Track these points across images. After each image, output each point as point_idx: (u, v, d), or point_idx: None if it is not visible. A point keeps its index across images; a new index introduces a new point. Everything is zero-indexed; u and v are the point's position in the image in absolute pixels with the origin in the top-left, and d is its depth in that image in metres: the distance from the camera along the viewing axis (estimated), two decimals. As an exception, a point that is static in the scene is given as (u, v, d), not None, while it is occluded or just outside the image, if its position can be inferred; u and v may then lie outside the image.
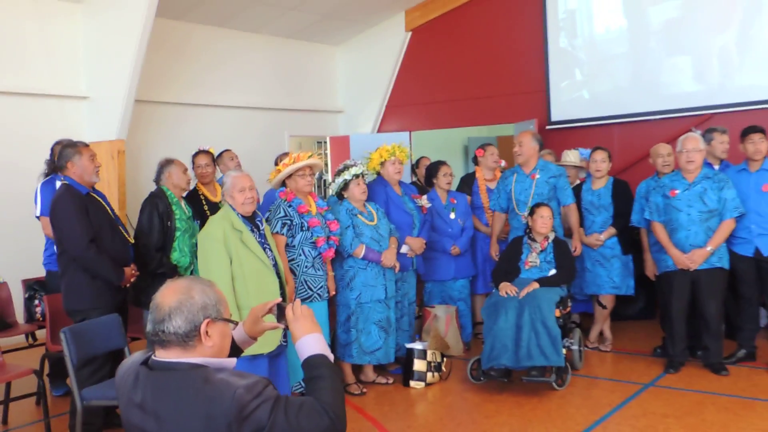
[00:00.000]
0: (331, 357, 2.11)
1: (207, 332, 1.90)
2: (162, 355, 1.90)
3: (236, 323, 2.07)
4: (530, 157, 5.90)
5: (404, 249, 5.55)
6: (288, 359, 4.63)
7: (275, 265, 4.26)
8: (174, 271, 4.84)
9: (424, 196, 6.02)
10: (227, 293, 3.94)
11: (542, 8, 8.08)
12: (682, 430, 4.27)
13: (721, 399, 4.75)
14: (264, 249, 4.19)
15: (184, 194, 5.25)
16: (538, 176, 5.84)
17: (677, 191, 5.23)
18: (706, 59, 7.23)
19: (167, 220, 4.86)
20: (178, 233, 4.88)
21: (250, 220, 4.25)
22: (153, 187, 5.15)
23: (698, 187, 5.19)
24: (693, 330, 5.42)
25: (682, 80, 7.36)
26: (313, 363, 2.05)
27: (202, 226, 4.70)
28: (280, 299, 2.32)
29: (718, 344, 5.31)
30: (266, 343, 3.86)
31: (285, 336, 4.33)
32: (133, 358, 2.02)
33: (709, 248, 5.13)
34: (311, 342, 2.10)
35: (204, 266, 4.13)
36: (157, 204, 4.86)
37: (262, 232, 4.30)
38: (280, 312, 2.23)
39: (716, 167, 5.86)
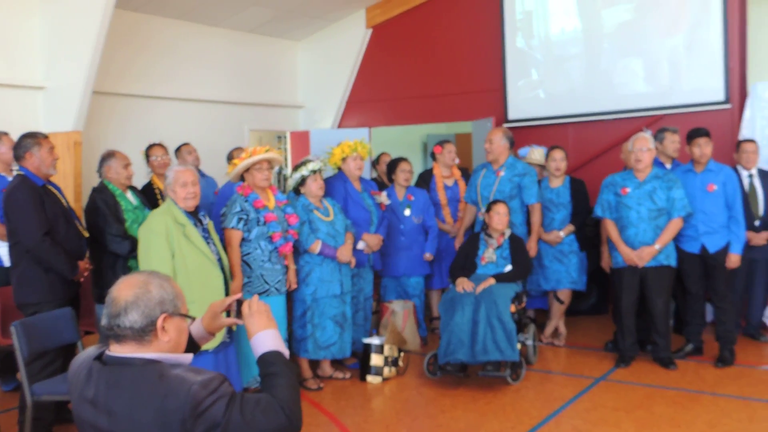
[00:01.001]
0: (287, 353, 2.11)
1: (164, 327, 1.89)
2: (117, 350, 1.89)
3: (193, 319, 2.07)
4: (499, 154, 5.97)
5: (361, 245, 5.58)
6: (244, 354, 4.63)
7: (219, 259, 4.25)
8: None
9: (383, 193, 6.06)
10: None
11: (500, 9, 8.16)
12: (631, 423, 4.38)
13: (670, 392, 4.89)
14: (207, 243, 4.18)
15: (141, 186, 5.21)
16: (503, 174, 5.91)
17: (628, 189, 5.36)
18: (656, 62, 7.40)
19: (116, 211, 4.81)
20: (126, 224, 4.84)
21: (193, 214, 4.23)
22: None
23: (648, 186, 5.33)
24: (643, 325, 5.57)
25: (634, 81, 7.53)
26: (268, 360, 2.04)
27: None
28: (240, 295, 2.33)
29: (666, 339, 5.46)
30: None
31: (229, 332, 4.33)
32: (87, 352, 1.99)
33: (657, 246, 5.28)
34: (267, 338, 2.09)
35: (145, 260, 4.10)
36: (100, 200, 4.79)
37: (205, 226, 4.28)
38: (238, 308, 2.24)
39: (668, 166, 6.02)
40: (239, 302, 2.25)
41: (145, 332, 1.87)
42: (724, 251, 5.40)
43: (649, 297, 5.39)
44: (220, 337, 4.19)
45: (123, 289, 1.90)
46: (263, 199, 4.86)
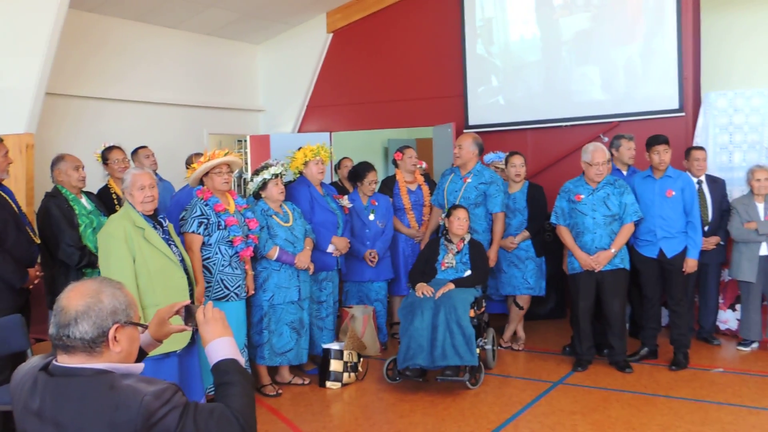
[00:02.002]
0: (243, 361, 2.08)
1: (116, 338, 1.85)
2: (65, 361, 1.83)
3: (146, 327, 2.02)
4: (468, 160, 5.98)
5: (330, 248, 5.57)
6: (203, 359, 4.56)
7: (182, 261, 4.19)
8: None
9: (346, 197, 6.05)
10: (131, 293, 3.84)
11: (460, 15, 8.22)
12: (588, 426, 4.43)
13: (625, 395, 4.96)
14: (169, 245, 4.12)
15: (97, 190, 5.11)
16: (469, 180, 5.93)
17: (582, 196, 5.44)
18: (613, 70, 7.53)
19: (70, 217, 4.71)
20: (81, 229, 4.73)
21: (152, 217, 4.16)
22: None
23: (601, 193, 5.42)
24: (599, 329, 5.65)
25: (591, 89, 7.65)
26: (223, 368, 2.01)
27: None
28: (188, 301, 2.28)
29: (623, 343, 5.55)
30: (176, 341, 3.79)
31: (194, 335, 4.26)
32: (31, 362, 1.93)
33: (613, 250, 5.37)
34: (222, 346, 2.06)
35: (105, 265, 4.02)
36: (53, 205, 4.68)
37: (165, 228, 4.22)
38: (188, 314, 2.19)
39: (624, 172, 6.12)
40: (188, 308, 2.20)
41: (96, 343, 1.82)
42: (681, 256, 5.50)
43: (606, 300, 5.47)
44: (186, 338, 4.13)
45: (73, 298, 1.84)
46: (223, 203, 4.81)
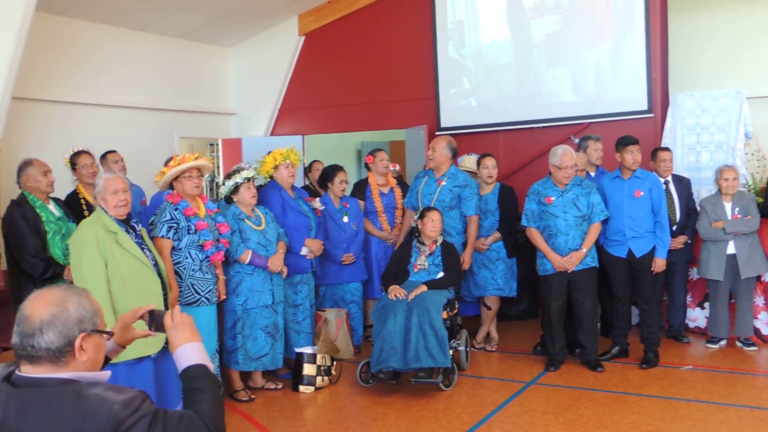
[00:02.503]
0: (212, 367, 2.07)
1: (82, 347, 1.82)
2: (29, 371, 1.79)
3: (112, 334, 2.00)
4: (441, 163, 5.99)
5: (304, 251, 5.56)
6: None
7: (156, 265, 4.15)
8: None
9: (317, 199, 6.04)
10: (103, 298, 3.81)
11: (432, 18, 8.26)
12: (560, 425, 4.47)
13: (597, 394, 5.01)
14: (142, 249, 4.08)
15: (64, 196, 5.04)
16: (444, 183, 5.95)
17: (552, 198, 5.48)
18: (583, 72, 7.62)
19: (36, 225, 4.64)
20: (48, 236, 4.67)
21: (125, 222, 4.12)
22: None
23: (570, 194, 5.48)
24: (571, 329, 5.70)
25: (562, 91, 7.72)
26: (192, 374, 1.99)
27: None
28: (153, 306, 2.25)
29: (594, 342, 5.61)
30: (150, 345, 3.75)
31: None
32: None
33: (584, 250, 5.43)
34: (190, 351, 2.04)
35: (77, 271, 3.97)
36: (18, 215, 4.61)
37: (138, 232, 4.18)
38: (152, 319, 2.17)
39: (593, 173, 6.19)
40: (152, 313, 2.18)
41: (62, 353, 1.79)
42: (650, 255, 5.57)
43: (578, 300, 5.52)
44: (161, 341, 4.08)
45: (37, 307, 1.80)
46: (194, 207, 4.76)
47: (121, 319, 2.22)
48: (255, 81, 9.39)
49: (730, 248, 5.85)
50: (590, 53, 7.56)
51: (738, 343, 6.03)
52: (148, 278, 4.04)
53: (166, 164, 5.03)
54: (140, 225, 4.29)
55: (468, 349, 5.74)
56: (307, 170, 7.62)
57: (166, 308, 4.00)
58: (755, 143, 6.71)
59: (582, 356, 5.65)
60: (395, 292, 5.25)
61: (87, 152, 5.62)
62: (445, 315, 5.18)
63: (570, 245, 5.45)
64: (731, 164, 6.13)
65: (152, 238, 4.61)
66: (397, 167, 6.93)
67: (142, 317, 2.21)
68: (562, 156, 5.43)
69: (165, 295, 4.18)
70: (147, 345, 3.69)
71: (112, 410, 1.70)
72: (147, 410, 1.76)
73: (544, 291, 5.61)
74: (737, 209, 5.88)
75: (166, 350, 4.18)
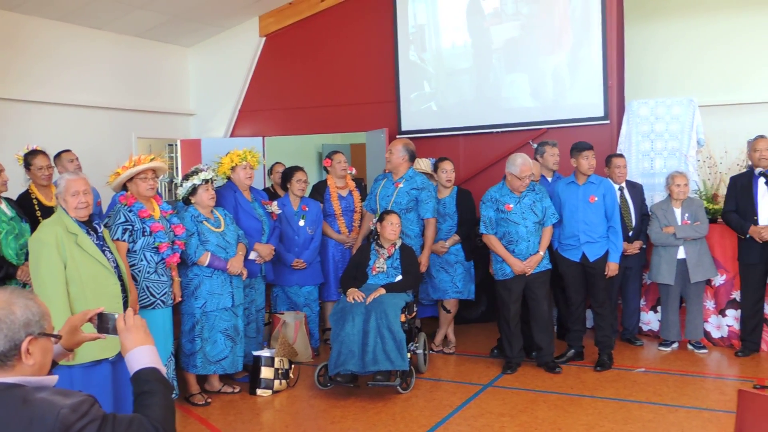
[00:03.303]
0: (164, 370, 2.05)
1: (28, 350, 1.79)
2: (-28, 375, 1.77)
3: (59, 338, 1.97)
4: (398, 165, 6.00)
5: (253, 255, 5.51)
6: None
7: (117, 267, 4.09)
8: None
9: (275, 203, 6.01)
10: (61, 300, 3.75)
11: (393, 22, 8.29)
12: (516, 427, 4.52)
13: (552, 396, 5.08)
14: (103, 251, 4.02)
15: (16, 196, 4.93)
16: (401, 186, 5.96)
17: (511, 205, 5.54)
18: (541, 78, 7.72)
19: None
20: (0, 236, 4.57)
21: (87, 223, 4.06)
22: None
23: (527, 200, 5.56)
24: (527, 332, 5.77)
25: (521, 96, 7.81)
26: (143, 377, 1.97)
27: (34, 231, 4.42)
28: (102, 308, 2.22)
29: (551, 343, 5.70)
30: (108, 347, 3.69)
31: None
32: None
33: (541, 252, 5.53)
34: (142, 354, 2.02)
35: (35, 272, 3.90)
36: None
37: (100, 234, 4.12)
38: (102, 322, 2.14)
39: (549, 179, 6.27)
40: (101, 315, 2.15)
41: (7, 357, 1.76)
42: (603, 260, 5.67)
43: (535, 301, 5.60)
44: (118, 345, 4.00)
45: None
46: (148, 208, 4.70)
47: (69, 322, 2.18)
48: (215, 81, 9.32)
49: (681, 253, 5.98)
50: (548, 60, 7.67)
51: (689, 346, 6.17)
52: (107, 281, 3.98)
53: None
54: (102, 226, 4.23)
55: (426, 352, 5.77)
56: (268, 172, 7.57)
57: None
58: (707, 150, 6.88)
59: (539, 358, 5.72)
60: (353, 295, 5.25)
61: (43, 153, 5.48)
62: (403, 318, 5.21)
63: (531, 250, 5.53)
64: (682, 170, 6.28)
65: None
66: (353, 170, 6.93)
67: (91, 320, 2.18)
68: (522, 166, 5.48)
69: (125, 297, 4.13)
70: (104, 348, 3.63)
71: (60, 415, 1.68)
72: (95, 415, 1.74)
73: (503, 295, 5.65)
74: (687, 215, 6.01)
75: None
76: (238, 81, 9.16)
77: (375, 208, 6.09)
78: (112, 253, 4.10)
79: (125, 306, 4.05)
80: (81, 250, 3.91)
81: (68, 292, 3.83)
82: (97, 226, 4.13)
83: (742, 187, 5.85)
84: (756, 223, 5.71)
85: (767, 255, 5.70)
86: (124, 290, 4.09)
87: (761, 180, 5.70)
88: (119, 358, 4.02)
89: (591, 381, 5.41)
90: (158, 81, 8.92)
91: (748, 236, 5.75)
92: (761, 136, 5.81)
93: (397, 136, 7.99)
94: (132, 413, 1.88)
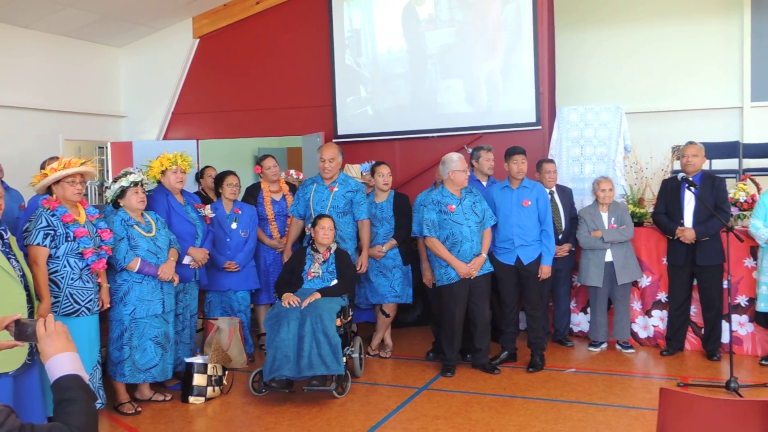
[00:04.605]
0: (86, 377, 1.99)
1: None
2: None
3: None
4: (337, 170, 6.01)
5: (187, 260, 5.41)
6: (45, 381, 4.28)
7: (23, 276, 3.93)
8: None
9: (208, 206, 5.91)
10: None
11: (329, 25, 8.29)
12: (450, 429, 4.55)
13: (486, 398, 5.14)
14: (8, 259, 3.85)
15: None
16: (336, 189, 5.94)
17: (453, 206, 5.60)
18: (476, 84, 7.84)
19: None
20: None
21: None
22: None
23: (467, 201, 5.63)
24: (465, 335, 5.83)
25: (456, 102, 7.91)
26: (64, 384, 1.91)
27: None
28: (19, 315, 2.14)
29: (489, 345, 5.79)
30: (8, 361, 3.53)
31: (31, 353, 3.99)
32: None
33: (484, 254, 5.61)
34: (63, 361, 1.96)
35: None
36: None
37: (6, 241, 3.95)
38: (20, 329, 2.07)
39: (484, 183, 6.36)
40: (18, 323, 2.08)
41: None
42: (537, 263, 5.78)
43: (477, 305, 5.67)
44: (21, 358, 3.85)
45: None
46: (73, 213, 4.54)
47: None
48: (147, 83, 9.13)
49: (608, 256, 6.15)
50: (482, 66, 7.79)
51: (617, 346, 6.34)
52: (11, 290, 3.80)
53: (43, 167, 4.81)
54: (9, 233, 4.05)
55: (362, 356, 5.77)
56: (199, 176, 7.44)
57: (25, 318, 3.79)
58: (633, 156, 7.09)
59: (476, 360, 5.78)
60: (289, 299, 5.21)
61: None
62: (338, 322, 5.19)
63: (475, 251, 5.59)
64: (607, 176, 6.45)
65: (26, 246, 4.38)
66: (301, 176, 6.89)
67: (7, 327, 2.10)
68: (460, 159, 5.62)
69: (31, 308, 3.95)
70: (3, 361, 3.46)
71: None
72: (12, 425, 1.68)
73: (448, 299, 5.66)
74: (613, 219, 6.19)
75: (28, 366, 3.94)
76: (171, 83, 9.00)
77: (303, 213, 6.01)
78: (18, 261, 3.94)
79: (31, 318, 3.88)
80: None
81: None
82: (2, 232, 3.97)
83: (671, 190, 6.05)
84: (682, 225, 5.92)
85: (693, 257, 5.90)
86: (30, 300, 3.93)
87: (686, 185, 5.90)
88: (23, 371, 3.87)
89: (523, 382, 5.50)
90: (88, 82, 8.69)
91: (675, 238, 5.95)
92: (690, 142, 6.01)
93: (334, 140, 7.98)
94: (51, 421, 1.82)
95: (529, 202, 5.78)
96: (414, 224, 6.05)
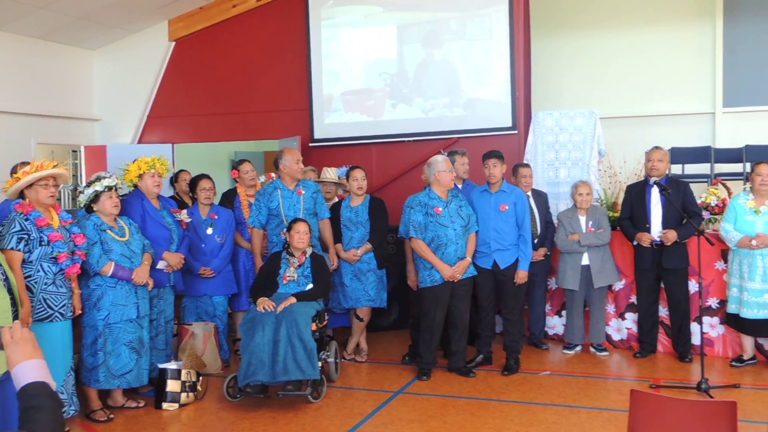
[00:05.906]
0: (54, 385, 1.97)
1: None
2: None
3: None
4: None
5: (161, 265, 5.37)
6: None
7: (6, 280, 3.89)
8: None
9: (184, 211, 5.87)
10: None
11: (306, 29, 8.28)
12: (425, 433, 4.57)
13: (461, 401, 5.15)
14: None
15: None
16: (303, 192, 5.94)
17: (440, 209, 5.62)
18: (452, 88, 7.87)
19: None
20: None
21: None
22: None
23: (453, 204, 5.67)
24: (443, 338, 5.85)
25: (433, 106, 7.95)
26: (30, 392, 1.88)
27: None
28: None
29: (465, 349, 5.81)
30: None
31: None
32: None
33: (469, 258, 5.64)
34: (30, 369, 1.93)
35: None
36: None
37: None
38: None
39: (460, 186, 6.39)
40: None
41: None
42: (513, 267, 5.80)
43: (458, 308, 5.69)
44: (4, 365, 3.79)
45: None
46: (46, 217, 4.50)
47: None
48: (122, 86, 9.06)
49: (585, 259, 6.21)
50: (459, 71, 7.83)
51: (591, 349, 6.40)
52: None
53: (14, 172, 4.75)
54: None
55: (338, 360, 5.75)
56: (173, 180, 7.38)
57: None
58: (607, 160, 7.17)
59: (452, 363, 5.80)
60: (264, 304, 5.18)
61: None
62: (314, 327, 5.18)
63: (460, 254, 5.62)
64: (585, 180, 6.51)
65: (0, 250, 4.33)
66: (262, 179, 6.87)
67: None
68: (445, 161, 5.67)
69: (15, 311, 3.92)
70: None
71: None
72: None
73: (430, 302, 5.67)
74: (591, 222, 6.25)
75: (4, 377, 3.90)
76: (147, 86, 8.93)
77: (264, 222, 5.91)
78: (1, 266, 3.89)
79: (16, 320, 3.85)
80: None
81: None
82: None
83: (636, 195, 6.13)
84: (648, 230, 5.99)
85: (658, 261, 5.98)
86: (14, 304, 3.89)
87: (654, 189, 5.97)
88: (6, 377, 3.82)
89: (498, 385, 5.52)
90: (61, 84, 8.60)
91: (635, 243, 6.03)
92: (656, 147, 6.10)
93: (310, 144, 7.97)
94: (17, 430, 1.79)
95: (507, 207, 5.80)
96: (400, 225, 6.05)
